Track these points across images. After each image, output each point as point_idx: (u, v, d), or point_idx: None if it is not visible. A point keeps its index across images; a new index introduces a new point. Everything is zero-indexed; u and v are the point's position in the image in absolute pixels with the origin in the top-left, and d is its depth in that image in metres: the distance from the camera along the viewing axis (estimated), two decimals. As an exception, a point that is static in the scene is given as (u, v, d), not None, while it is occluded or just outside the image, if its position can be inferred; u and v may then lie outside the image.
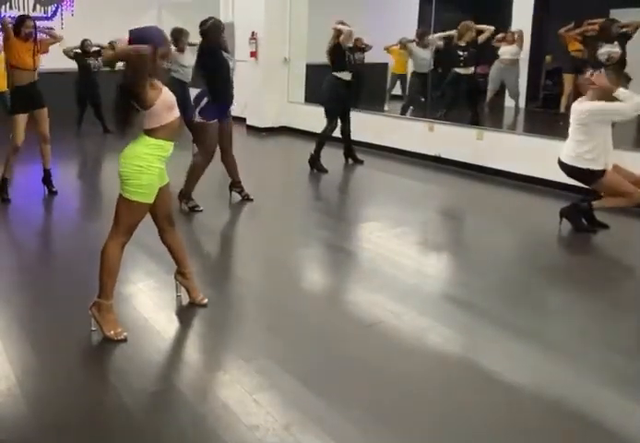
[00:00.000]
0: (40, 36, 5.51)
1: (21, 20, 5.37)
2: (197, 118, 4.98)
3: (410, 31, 10.99)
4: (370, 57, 10.60)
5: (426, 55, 8.99)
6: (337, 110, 6.74)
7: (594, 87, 4.44)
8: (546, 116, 9.91)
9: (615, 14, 9.11)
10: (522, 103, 9.88)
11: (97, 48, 8.58)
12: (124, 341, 2.87)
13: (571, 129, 4.60)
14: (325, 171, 6.70)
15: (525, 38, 9.17)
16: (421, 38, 9.22)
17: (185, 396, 2.50)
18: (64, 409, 2.41)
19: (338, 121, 6.81)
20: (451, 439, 2.26)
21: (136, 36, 2.82)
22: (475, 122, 7.51)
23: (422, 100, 9.19)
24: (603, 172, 4.50)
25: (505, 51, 8.92)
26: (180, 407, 2.42)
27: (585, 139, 4.49)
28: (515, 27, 9.59)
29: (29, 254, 4.32)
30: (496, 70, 8.99)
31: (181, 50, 7.07)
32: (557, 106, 8.84)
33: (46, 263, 4.13)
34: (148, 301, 3.32)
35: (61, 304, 3.36)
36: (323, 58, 6.91)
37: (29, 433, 2.27)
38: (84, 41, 8.73)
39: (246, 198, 5.46)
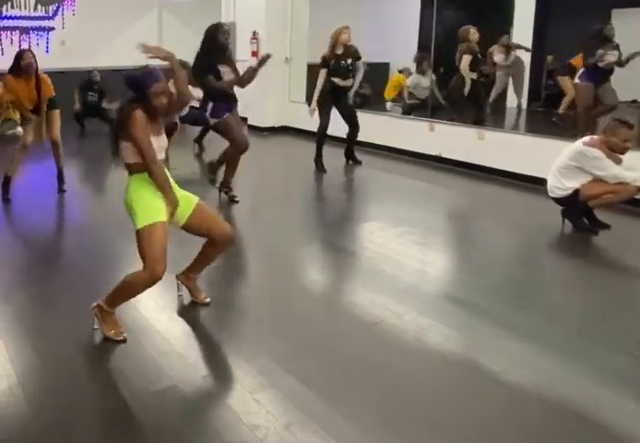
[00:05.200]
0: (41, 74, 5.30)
1: (19, 53, 5.19)
2: (212, 120, 5.26)
3: (412, 30, 10.98)
4: (370, 57, 10.57)
5: (426, 83, 8.74)
6: (327, 106, 6.69)
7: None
8: (548, 116, 9.89)
9: (617, 13, 9.10)
10: (524, 103, 9.86)
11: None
12: (124, 341, 2.87)
13: (559, 164, 4.66)
14: (324, 170, 6.69)
15: (526, 37, 9.04)
16: (420, 64, 8.93)
17: (186, 396, 2.51)
18: (64, 409, 2.41)
19: (329, 119, 6.74)
20: (451, 439, 2.26)
21: (131, 84, 2.87)
22: (477, 122, 7.44)
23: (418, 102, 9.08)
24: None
25: (502, 58, 8.62)
26: (180, 407, 2.43)
27: (566, 176, 4.60)
28: (516, 27, 9.55)
29: (30, 252, 4.32)
30: (501, 76, 8.75)
31: None
32: (559, 106, 8.81)
33: (48, 262, 4.13)
34: (149, 300, 3.32)
35: (62, 303, 3.37)
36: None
37: (29, 432, 2.27)
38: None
39: (232, 200, 5.45)
